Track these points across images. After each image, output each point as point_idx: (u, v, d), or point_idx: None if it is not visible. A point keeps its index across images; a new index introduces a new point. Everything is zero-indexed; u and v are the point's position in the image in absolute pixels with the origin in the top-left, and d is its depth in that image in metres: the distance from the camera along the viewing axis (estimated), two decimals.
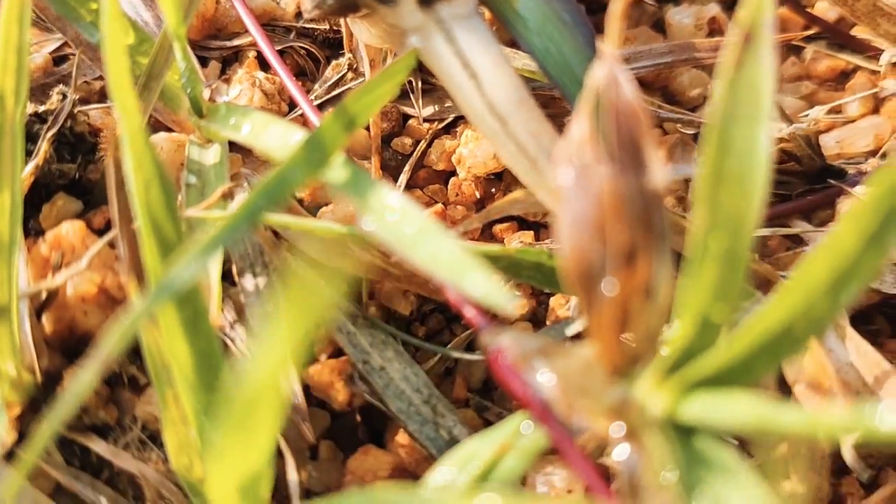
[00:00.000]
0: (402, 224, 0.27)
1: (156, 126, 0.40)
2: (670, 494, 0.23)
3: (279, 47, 0.45)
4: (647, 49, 0.45)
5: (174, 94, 0.38)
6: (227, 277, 0.36)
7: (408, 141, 0.44)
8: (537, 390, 0.27)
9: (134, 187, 0.28)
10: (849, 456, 0.30)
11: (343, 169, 0.29)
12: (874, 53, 0.50)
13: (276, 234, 0.37)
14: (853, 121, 0.47)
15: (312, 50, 0.46)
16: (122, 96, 0.28)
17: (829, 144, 0.45)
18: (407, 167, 0.43)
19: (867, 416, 0.19)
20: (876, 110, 0.47)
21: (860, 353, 0.34)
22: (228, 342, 0.35)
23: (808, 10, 0.51)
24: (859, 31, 0.50)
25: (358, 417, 0.37)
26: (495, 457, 0.27)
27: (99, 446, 0.33)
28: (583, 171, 0.25)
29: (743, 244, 0.24)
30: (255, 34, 0.41)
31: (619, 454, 0.24)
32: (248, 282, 0.36)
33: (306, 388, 0.36)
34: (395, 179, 0.43)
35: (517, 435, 0.27)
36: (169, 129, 0.40)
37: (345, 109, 0.30)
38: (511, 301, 0.25)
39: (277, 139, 0.32)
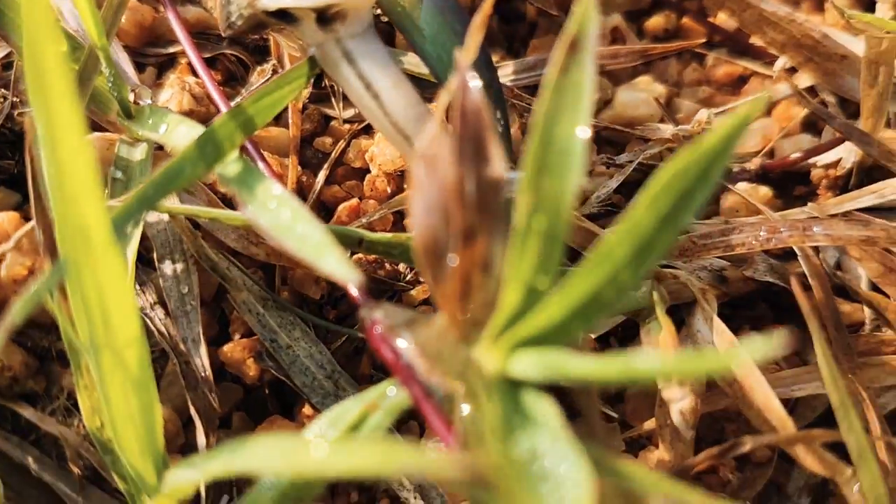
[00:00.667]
0: (278, 212, 0.31)
1: (93, 126, 0.44)
2: (495, 445, 0.26)
3: (211, 54, 0.48)
4: (550, 56, 0.49)
5: (105, 97, 0.42)
6: (149, 263, 0.40)
7: (328, 140, 0.47)
8: (403, 356, 0.31)
9: (48, 179, 0.31)
10: (677, 417, 0.33)
11: (235, 164, 0.33)
12: (771, 60, 0.53)
13: (195, 224, 0.41)
14: None
15: (243, 57, 0.49)
16: (37, 99, 0.31)
17: None
18: (326, 165, 0.46)
19: (626, 361, 0.23)
20: (767, 113, 0.51)
21: (718, 333, 0.38)
22: (148, 321, 0.38)
23: (711, 20, 0.55)
24: (758, 40, 0.54)
25: (267, 391, 0.41)
26: (362, 414, 0.30)
27: (27, 412, 0.36)
28: (432, 162, 0.29)
29: (560, 224, 0.27)
30: (184, 42, 0.44)
31: (463, 410, 0.28)
32: (168, 267, 0.39)
33: (221, 365, 0.40)
34: (316, 176, 0.46)
35: (383, 396, 0.31)
36: (104, 129, 0.44)
37: (242, 111, 0.34)
38: (354, 278, 0.29)
39: (183, 138, 0.36)
